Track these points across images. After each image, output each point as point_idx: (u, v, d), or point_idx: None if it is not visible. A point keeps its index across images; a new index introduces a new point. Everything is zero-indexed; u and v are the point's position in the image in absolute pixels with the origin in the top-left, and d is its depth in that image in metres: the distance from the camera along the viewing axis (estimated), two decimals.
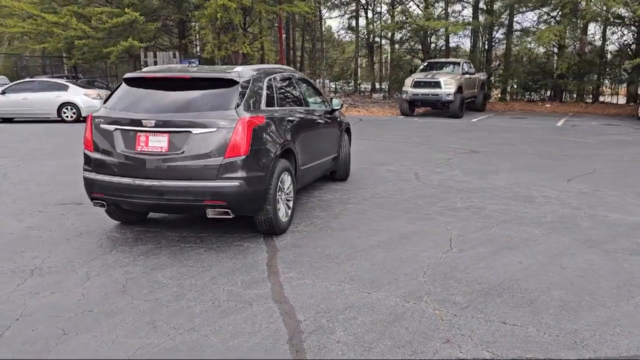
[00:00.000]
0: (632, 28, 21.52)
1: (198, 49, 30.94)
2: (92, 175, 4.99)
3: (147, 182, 4.71)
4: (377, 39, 27.80)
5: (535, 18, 24.59)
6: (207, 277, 4.29)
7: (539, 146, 11.91)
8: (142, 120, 4.70)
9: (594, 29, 23.03)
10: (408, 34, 24.98)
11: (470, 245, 5.04)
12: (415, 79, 18.48)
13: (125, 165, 4.81)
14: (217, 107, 4.81)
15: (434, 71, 19.19)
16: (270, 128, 5.12)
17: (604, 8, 18.90)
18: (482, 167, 9.12)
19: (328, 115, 7.08)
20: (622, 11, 20.30)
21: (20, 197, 6.99)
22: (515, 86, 23.52)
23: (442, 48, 25.66)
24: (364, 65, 29.10)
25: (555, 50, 22.80)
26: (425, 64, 20.54)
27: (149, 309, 3.73)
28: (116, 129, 4.85)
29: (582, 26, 21.62)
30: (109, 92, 16.65)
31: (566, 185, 7.74)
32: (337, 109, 7.26)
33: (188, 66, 5.62)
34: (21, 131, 15.23)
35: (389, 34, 26.65)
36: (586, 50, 22.18)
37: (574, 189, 7.44)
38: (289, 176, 5.47)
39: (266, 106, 5.28)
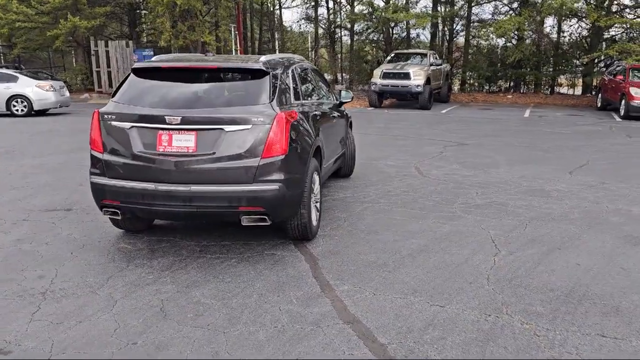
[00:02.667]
0: (587, 21, 22.14)
1: (148, 38, 29.55)
2: (103, 180, 4.36)
3: (172, 188, 4.14)
4: (337, 30, 27.38)
5: (493, 10, 24.86)
6: (254, 294, 3.80)
7: (521, 137, 11.91)
8: (166, 117, 4.12)
9: (551, 21, 23.58)
10: (370, 26, 24.68)
11: (516, 247, 4.77)
12: (384, 70, 18.25)
13: (145, 169, 4.21)
14: (249, 101, 4.29)
15: (402, 62, 19.02)
16: (303, 124, 4.65)
17: (559, 2, 19.28)
18: (479, 160, 8.95)
19: (337, 109, 6.65)
20: (577, 5, 20.82)
21: None
22: (477, 77, 23.77)
23: (404, 39, 25.57)
24: (325, 56, 28.65)
25: (514, 42, 23.15)
26: (393, 55, 20.35)
27: (204, 338, 3.21)
28: (132, 126, 4.24)
29: (539, 19, 22.02)
30: (54, 84, 15.34)
31: (570, 177, 7.66)
32: (346, 102, 6.82)
33: (206, 55, 5.03)
34: None
35: (349, 25, 26.31)
36: (542, 43, 22.66)
37: (580, 182, 7.35)
38: (317, 176, 5.02)
39: (294, 99, 4.79)
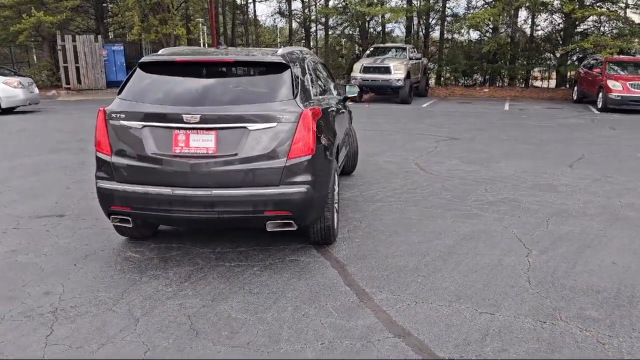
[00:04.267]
0: (560, 15, 22.42)
1: (115, 32, 28.59)
2: (112, 185, 3.97)
3: (191, 192, 3.80)
4: (312, 25, 27.01)
5: (467, 4, 24.93)
6: (289, 306, 3.51)
7: (509, 131, 11.88)
8: (183, 115, 3.77)
9: (524, 14, 23.79)
10: (345, 19, 24.42)
11: (545, 246, 4.61)
12: (365, 65, 18.04)
13: (159, 172, 3.86)
14: (272, 97, 3.98)
15: (381, 56, 18.86)
16: (325, 121, 4.38)
17: None
18: (475, 155, 8.82)
19: (342, 104, 6.37)
20: None
21: None
22: (454, 71, 23.80)
23: (379, 34, 25.41)
24: None
25: (489, 35, 23.28)
26: (372, 49, 20.16)
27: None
28: (144, 126, 3.87)
29: (512, 12, 22.18)
30: (22, 81, 14.54)
31: (572, 171, 7.60)
32: (351, 97, 6.55)
33: (218, 47, 4.67)
34: None
35: (323, 19, 26.00)
36: (516, 35, 22.85)
37: (584, 176, 7.28)
38: (336, 175, 4.75)
39: (312, 95, 4.50)
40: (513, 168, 7.80)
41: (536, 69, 24.33)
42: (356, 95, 6.55)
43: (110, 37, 25.90)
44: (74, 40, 21.78)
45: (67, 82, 21.90)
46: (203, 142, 3.81)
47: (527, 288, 3.77)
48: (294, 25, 27.37)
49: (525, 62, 23.64)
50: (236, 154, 3.78)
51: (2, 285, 3.84)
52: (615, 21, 20.65)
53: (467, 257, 4.35)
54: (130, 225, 4.08)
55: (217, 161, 3.79)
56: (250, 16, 28.90)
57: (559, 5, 20.35)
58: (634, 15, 21.02)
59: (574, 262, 4.24)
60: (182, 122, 3.77)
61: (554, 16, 22.74)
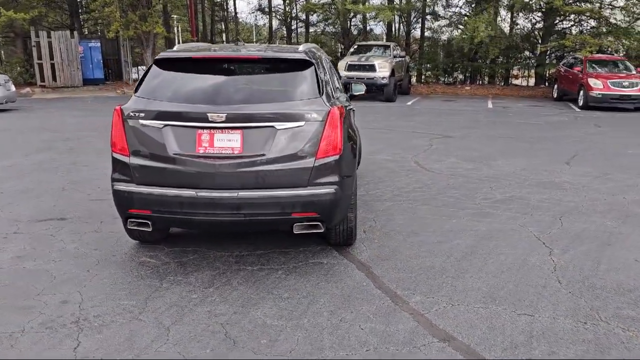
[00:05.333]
0: (539, 14, 22.77)
1: (90, 29, 27.92)
2: (130, 188, 3.79)
3: (216, 194, 3.65)
4: (293, 22, 26.80)
5: (446, 3, 25.07)
6: (324, 311, 3.40)
7: (499, 129, 11.96)
8: (208, 114, 3.61)
9: (503, 13, 24.05)
10: (327, 17, 24.30)
11: (564, 244, 4.60)
12: (349, 62, 17.97)
13: (182, 173, 3.70)
14: (297, 96, 3.86)
15: (366, 54, 18.82)
16: (348, 120, 4.28)
17: None
18: (472, 153, 8.83)
19: (349, 101, 6.26)
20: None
21: None
22: (435, 69, 23.93)
23: (361, 31, 25.38)
24: None
25: (472, 40, 23.43)
26: (356, 46, 20.11)
27: None
28: (166, 125, 3.70)
29: (492, 12, 22.41)
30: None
31: (570, 169, 7.66)
32: (358, 95, 6.45)
33: (237, 44, 4.51)
34: None
35: (304, 17, 25.84)
36: (496, 34, 23.07)
37: (582, 173, 7.35)
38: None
39: (332, 93, 4.39)
40: (512, 166, 7.83)
41: (515, 68, 24.63)
42: (363, 92, 6.45)
43: (89, 33, 25.24)
44: (49, 36, 21.13)
45: (42, 80, 21.24)
46: (228, 142, 3.66)
47: (558, 288, 3.74)
48: (275, 22, 27.13)
49: (505, 61, 23.90)
50: (263, 154, 3.65)
51: (15, 295, 3.62)
52: (594, 20, 21.04)
53: (491, 257, 4.31)
54: (150, 229, 3.90)
55: (244, 162, 3.65)
56: (230, 13, 28.51)
57: (543, 2, 20.60)
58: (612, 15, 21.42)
59: (598, 261, 4.24)
60: (207, 121, 3.62)
61: (532, 15, 23.03)
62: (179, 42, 24.65)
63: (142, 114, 3.75)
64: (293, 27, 26.77)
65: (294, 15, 26.45)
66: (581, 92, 16.42)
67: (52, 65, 21.18)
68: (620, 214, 5.47)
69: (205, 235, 4.73)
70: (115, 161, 3.87)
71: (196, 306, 3.47)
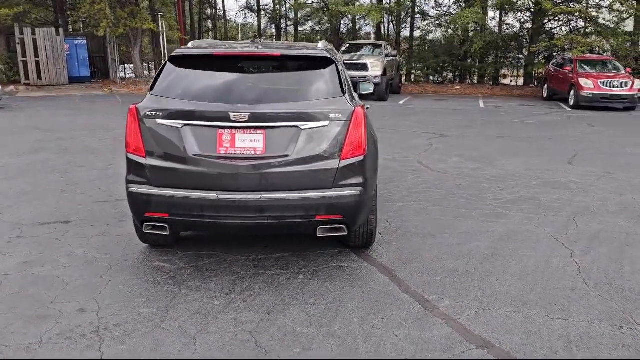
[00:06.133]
0: (528, 14, 22.92)
1: (74, 27, 27.42)
2: (147, 190, 3.63)
3: (239, 196, 3.52)
4: (282, 21, 26.62)
5: (435, 3, 25.13)
6: (354, 317, 3.29)
7: (494, 129, 11.97)
8: (230, 114, 3.48)
9: (491, 14, 24.17)
10: (316, 16, 24.18)
11: (584, 246, 4.56)
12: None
13: (202, 175, 3.56)
14: (321, 94, 3.74)
15: (357, 53, 18.73)
16: (369, 119, 4.16)
17: None
18: (473, 153, 8.80)
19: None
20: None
21: None
22: (426, 69, 23.95)
23: (351, 31, 25.30)
24: None
25: (460, 33, 23.53)
26: (347, 45, 20.01)
27: None
28: (185, 125, 3.56)
29: (481, 12, 22.48)
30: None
31: (573, 169, 7.66)
32: (366, 94, 6.35)
33: (253, 41, 4.37)
34: None
35: (292, 15, 25.69)
36: (485, 33, 23.17)
37: (586, 173, 7.34)
38: None
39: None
40: (515, 165, 7.80)
41: (504, 67, 24.77)
42: (371, 92, 6.35)
43: (70, 30, 24.78)
44: (33, 33, 20.65)
45: (27, 78, 20.76)
46: (251, 143, 3.53)
47: (587, 291, 3.68)
48: (264, 21, 26.92)
49: (495, 61, 24.02)
50: (287, 155, 3.53)
51: (27, 303, 3.45)
52: (582, 20, 21.24)
53: (513, 259, 4.24)
54: (167, 233, 3.75)
55: (267, 163, 3.52)
56: (219, 11, 28.24)
57: (532, 3, 20.72)
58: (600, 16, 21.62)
59: (620, 263, 4.19)
60: (229, 120, 3.49)
61: (521, 14, 23.17)
62: (163, 40, 24.33)
63: (159, 113, 3.60)
64: (282, 26, 26.57)
65: (283, 14, 26.26)
66: (572, 92, 16.54)
67: (37, 63, 20.72)
68: (632, 215, 5.45)
69: (218, 238, 4.59)
70: (130, 162, 3.71)
71: (220, 313, 3.34)
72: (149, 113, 3.62)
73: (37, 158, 7.99)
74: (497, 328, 3.18)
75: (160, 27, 22.66)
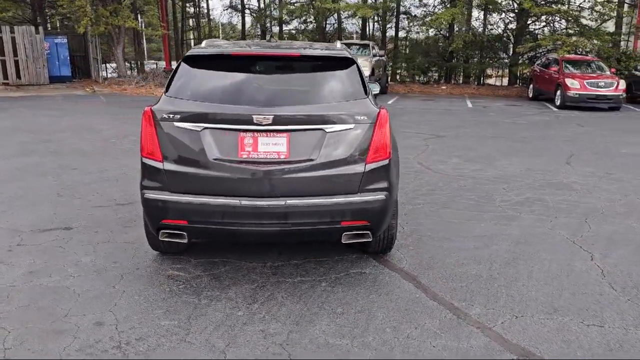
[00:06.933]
0: (512, 15, 23.12)
1: (52, 25, 26.80)
2: (164, 196, 3.47)
3: (263, 202, 3.38)
4: (267, 20, 26.35)
5: (419, 2, 25.18)
6: (386, 327, 3.18)
7: (487, 129, 11.98)
8: (254, 116, 3.33)
9: (476, 14, 24.32)
10: (302, 15, 24.02)
11: (602, 249, 4.53)
12: None
13: (224, 180, 3.41)
14: (344, 96, 3.62)
15: None
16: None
17: None
18: (471, 153, 8.77)
19: None
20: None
21: None
22: (413, 69, 23.98)
23: (337, 30, 25.20)
24: None
25: (445, 33, 23.61)
26: None
27: None
28: (205, 128, 3.40)
29: (465, 12, 22.61)
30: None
31: (572, 169, 7.67)
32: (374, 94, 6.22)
33: (269, 40, 4.22)
34: None
35: (276, 14, 25.48)
36: (470, 33, 23.30)
37: (587, 174, 7.36)
38: None
39: None
40: (515, 166, 7.78)
41: (489, 68, 24.94)
42: (377, 92, 6.24)
43: (54, 28, 24.19)
44: (12, 31, 20.10)
45: (5, 77, 20.19)
46: (274, 146, 3.39)
47: (616, 296, 3.63)
48: (248, 20, 26.67)
49: (480, 61, 24.16)
50: (312, 159, 3.40)
51: (40, 317, 3.26)
52: (565, 21, 21.49)
53: (535, 263, 4.17)
54: (185, 241, 3.58)
55: (292, 167, 3.39)
56: (202, 9, 27.87)
57: (516, 4, 20.88)
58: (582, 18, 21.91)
59: None
60: (252, 123, 3.34)
61: (505, 15, 23.35)
62: (144, 38, 23.87)
63: (177, 116, 3.44)
64: (267, 25, 26.32)
65: (267, 13, 26.02)
66: (558, 92, 16.69)
67: (16, 62, 20.17)
68: None
69: (230, 244, 4.43)
70: (145, 167, 3.54)
71: (246, 325, 3.20)
72: (165, 115, 3.45)
73: (26, 161, 7.71)
74: (534, 336, 3.10)
75: (140, 25, 22.29)
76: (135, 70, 24.79)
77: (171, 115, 3.44)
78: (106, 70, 23.35)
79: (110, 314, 3.31)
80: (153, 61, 31.16)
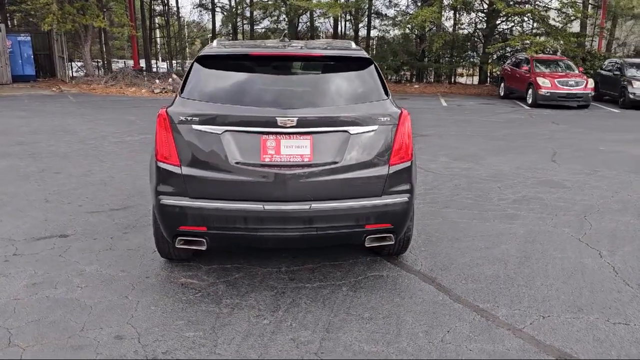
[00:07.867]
0: (482, 15, 23.50)
1: (14, 22, 25.84)
2: (182, 202, 3.33)
3: (288, 207, 3.28)
4: (237, 18, 26.03)
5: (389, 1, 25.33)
6: (419, 332, 3.13)
7: (466, 127, 12.12)
8: (277, 119, 3.23)
9: (446, 14, 24.58)
10: (272, 13, 23.83)
11: (608, 246, 4.60)
12: None
13: (246, 184, 3.29)
14: (366, 97, 3.56)
15: None
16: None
17: None
18: (458, 152, 8.84)
19: None
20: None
21: None
22: (385, 68, 24.08)
23: (309, 29, 25.10)
24: None
25: (416, 32, 23.82)
26: None
27: None
28: (226, 130, 3.28)
29: (438, 11, 22.84)
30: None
31: (559, 167, 7.81)
32: None
33: (281, 40, 4.10)
34: None
35: (248, 13, 25.21)
36: (440, 33, 23.59)
37: (574, 171, 7.50)
38: None
39: None
40: (504, 165, 7.88)
41: (460, 67, 25.29)
42: None
43: (16, 26, 23.29)
44: None
45: None
46: (297, 149, 3.30)
47: (634, 293, 3.68)
48: (219, 18, 26.27)
49: (450, 60, 24.47)
50: (337, 162, 3.32)
51: (54, 332, 3.08)
52: (534, 21, 21.98)
53: (547, 262, 4.20)
54: (204, 248, 3.45)
55: (316, 170, 3.30)
56: (172, 8, 27.31)
57: (486, 4, 21.23)
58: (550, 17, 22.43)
59: None
60: (275, 126, 3.24)
61: (476, 15, 23.72)
62: (107, 35, 23.23)
63: (195, 118, 3.30)
64: (238, 24, 26.01)
65: (238, 11, 25.70)
66: (530, 91, 17.03)
67: None
68: (637, 212, 5.57)
69: (240, 249, 4.31)
70: (160, 172, 3.38)
71: (274, 334, 3.09)
72: (183, 118, 3.31)
73: (4, 164, 7.36)
74: (565, 336, 3.10)
75: (104, 23, 21.66)
76: (103, 70, 24.11)
77: (189, 118, 3.30)
78: (71, 69, 22.63)
79: (129, 327, 3.15)
80: (115, 60, 30.27)
